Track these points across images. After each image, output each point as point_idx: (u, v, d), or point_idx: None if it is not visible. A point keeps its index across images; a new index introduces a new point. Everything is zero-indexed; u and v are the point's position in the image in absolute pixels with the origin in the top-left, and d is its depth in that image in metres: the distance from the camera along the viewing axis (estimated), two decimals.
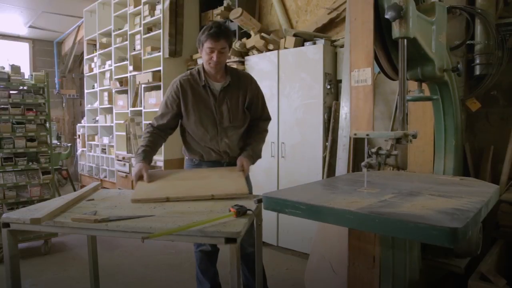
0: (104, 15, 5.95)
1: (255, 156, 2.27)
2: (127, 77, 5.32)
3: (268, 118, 2.41)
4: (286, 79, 3.59)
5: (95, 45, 6.33)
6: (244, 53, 4.01)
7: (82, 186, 6.01)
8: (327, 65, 3.34)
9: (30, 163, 3.57)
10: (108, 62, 5.83)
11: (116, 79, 5.52)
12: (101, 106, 6.14)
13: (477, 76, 2.59)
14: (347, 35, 2.97)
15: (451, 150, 2.07)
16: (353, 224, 1.31)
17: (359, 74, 1.86)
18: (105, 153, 5.98)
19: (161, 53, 4.62)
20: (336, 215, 1.32)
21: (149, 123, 2.31)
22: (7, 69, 3.67)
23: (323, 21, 3.68)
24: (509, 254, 2.36)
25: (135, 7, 5.04)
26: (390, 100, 2.99)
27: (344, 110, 3.13)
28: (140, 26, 4.98)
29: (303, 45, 3.52)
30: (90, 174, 6.43)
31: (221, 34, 2.09)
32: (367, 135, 1.62)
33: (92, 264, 2.32)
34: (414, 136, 1.55)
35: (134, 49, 5.14)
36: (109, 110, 5.97)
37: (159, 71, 4.65)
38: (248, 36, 4.03)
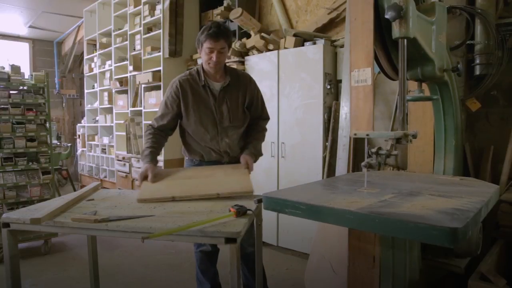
0: (104, 15, 5.95)
1: (257, 154, 2.28)
2: (127, 77, 5.32)
3: (267, 118, 2.42)
4: (286, 79, 3.59)
5: (95, 45, 6.33)
6: (244, 53, 4.01)
7: (82, 186, 6.01)
8: (327, 65, 3.34)
9: (30, 163, 3.57)
10: (108, 62, 5.83)
11: (116, 79, 5.52)
12: (101, 106, 6.14)
13: (477, 76, 2.59)
14: (347, 35, 2.97)
15: (451, 150, 2.07)
16: (353, 224, 1.31)
17: (359, 74, 1.86)
18: (105, 153, 5.98)
19: (161, 53, 4.62)
20: (336, 215, 1.32)
21: (149, 125, 2.31)
22: (7, 69, 3.67)
23: (323, 21, 3.68)
24: (509, 254, 2.36)
25: (135, 7, 5.04)
26: (390, 100, 2.99)
27: (344, 110, 3.13)
28: (140, 26, 4.98)
29: (303, 45, 3.52)
30: (90, 174, 6.43)
31: (221, 34, 2.08)
32: (367, 135, 1.62)
33: (92, 264, 2.32)
34: (414, 136, 1.55)
35: (134, 49, 5.14)
36: (109, 110, 5.97)
37: (159, 71, 4.65)
38: (248, 36, 4.03)
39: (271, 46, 3.72)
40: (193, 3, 4.81)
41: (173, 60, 4.63)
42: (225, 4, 4.32)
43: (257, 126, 2.35)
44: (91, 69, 6.44)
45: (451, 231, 1.06)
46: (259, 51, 3.85)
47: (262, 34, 3.79)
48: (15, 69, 3.69)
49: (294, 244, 3.54)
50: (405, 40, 1.57)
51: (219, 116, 2.21)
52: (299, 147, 3.50)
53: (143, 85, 4.95)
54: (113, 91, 5.69)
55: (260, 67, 3.80)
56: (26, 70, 6.51)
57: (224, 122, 2.21)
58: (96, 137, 6.31)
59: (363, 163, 1.57)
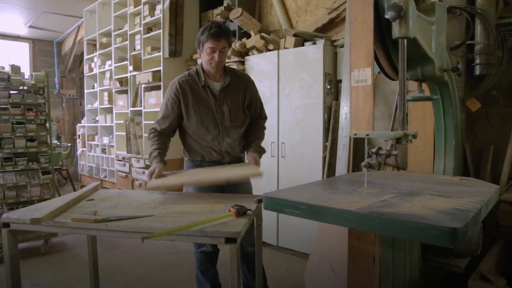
0: (104, 15, 5.95)
1: (261, 151, 2.30)
2: (127, 77, 5.32)
3: (265, 117, 2.45)
4: (286, 79, 3.59)
5: (95, 45, 6.33)
6: (244, 53, 4.01)
7: (82, 186, 6.01)
8: (327, 65, 3.34)
9: (30, 163, 3.57)
10: (108, 62, 5.83)
11: (116, 79, 5.52)
12: (101, 106, 6.14)
13: (477, 76, 2.59)
14: (347, 35, 2.97)
15: (451, 150, 2.07)
16: (353, 224, 1.31)
17: (359, 74, 1.86)
18: (105, 153, 5.97)
19: (161, 53, 4.62)
20: (336, 215, 1.32)
21: (152, 128, 2.30)
22: (7, 69, 3.67)
23: (323, 21, 3.68)
24: (509, 254, 2.36)
25: (135, 7, 5.04)
26: (390, 100, 2.99)
27: (344, 110, 3.13)
28: (140, 26, 4.98)
29: (303, 45, 3.52)
30: (90, 174, 6.42)
31: (222, 33, 2.09)
32: (367, 135, 1.62)
33: (92, 264, 2.32)
34: (414, 136, 1.55)
35: (134, 49, 5.14)
36: (109, 110, 5.97)
37: (159, 71, 4.65)
38: (248, 36, 4.03)
39: (271, 46, 3.72)
40: (193, 3, 4.81)
41: (173, 60, 4.63)
42: (225, 4, 4.32)
43: (257, 125, 2.37)
44: (91, 69, 6.44)
45: (451, 231, 1.06)
46: (259, 51, 3.85)
47: (262, 34, 3.79)
48: (15, 69, 3.69)
49: (294, 244, 3.54)
50: (405, 40, 1.57)
51: (220, 116, 2.21)
52: (299, 147, 3.50)
53: (143, 85, 4.95)
54: (113, 91, 5.69)
55: (260, 67, 3.80)
56: (26, 70, 6.51)
57: (225, 122, 2.22)
58: (96, 137, 6.31)
59: (363, 163, 1.57)
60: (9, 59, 5.33)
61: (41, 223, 1.62)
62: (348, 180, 1.97)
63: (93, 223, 1.58)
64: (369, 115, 1.84)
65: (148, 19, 4.78)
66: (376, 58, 1.83)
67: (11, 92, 3.53)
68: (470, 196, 1.46)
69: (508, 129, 2.56)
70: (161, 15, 4.55)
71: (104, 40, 6.04)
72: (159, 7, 4.62)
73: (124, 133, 5.31)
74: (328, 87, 3.34)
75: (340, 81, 3.34)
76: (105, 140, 5.97)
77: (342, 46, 3.34)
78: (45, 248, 3.62)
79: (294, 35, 3.58)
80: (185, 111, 2.21)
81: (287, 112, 3.58)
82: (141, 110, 5.02)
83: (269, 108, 3.63)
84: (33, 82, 3.64)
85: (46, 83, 3.68)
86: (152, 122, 5.00)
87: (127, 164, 5.21)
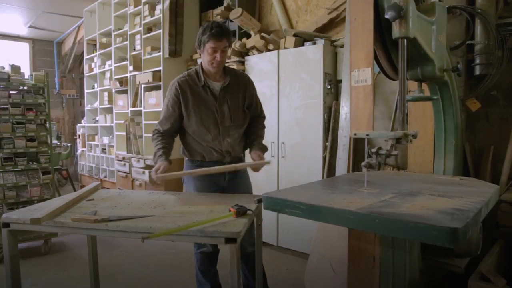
0: (104, 15, 5.95)
1: (265, 149, 2.32)
2: (127, 77, 5.32)
3: (265, 116, 2.47)
4: (286, 79, 3.59)
5: (95, 45, 6.32)
6: (244, 53, 4.01)
7: (82, 186, 6.01)
8: (327, 65, 3.34)
9: (30, 163, 3.57)
10: (108, 62, 5.83)
11: (116, 79, 5.52)
12: (101, 106, 6.14)
13: (477, 76, 2.59)
14: (347, 35, 2.97)
15: (451, 150, 2.07)
16: (353, 224, 1.31)
17: (359, 74, 1.86)
18: (105, 153, 5.97)
19: (161, 53, 4.62)
20: (336, 215, 1.32)
21: (155, 129, 2.30)
22: (7, 69, 3.67)
23: (323, 21, 3.68)
24: (509, 254, 2.36)
25: (135, 7, 5.04)
26: (390, 100, 2.99)
27: (344, 110, 3.13)
28: (140, 26, 4.98)
29: (303, 45, 3.52)
30: (90, 174, 6.42)
31: (223, 33, 2.10)
32: (367, 135, 1.63)
33: (92, 264, 2.32)
34: (414, 136, 1.55)
35: (134, 49, 5.14)
36: (109, 110, 5.97)
37: (159, 71, 4.65)
38: (248, 36, 4.03)
39: (271, 46, 3.72)
40: (193, 3, 4.81)
41: (173, 60, 4.63)
42: (225, 4, 4.32)
43: (257, 124, 2.38)
44: (91, 69, 6.44)
45: (451, 231, 1.06)
46: (259, 51, 3.85)
47: (262, 34, 3.79)
48: (15, 69, 3.69)
49: (294, 244, 3.54)
50: (405, 40, 1.57)
51: (220, 116, 2.21)
52: (299, 147, 3.50)
53: (143, 85, 4.95)
54: (113, 91, 5.69)
55: (260, 67, 3.80)
56: (26, 70, 6.51)
57: (225, 122, 2.22)
58: (96, 137, 6.30)
59: (363, 163, 1.57)
60: (9, 59, 5.33)
61: (41, 223, 1.62)
62: (348, 180, 1.97)
63: (93, 223, 1.58)
64: (369, 115, 1.84)
65: (148, 19, 4.78)
66: (376, 58, 1.83)
67: (11, 92, 3.53)
68: (470, 196, 1.46)
69: (508, 129, 2.56)
70: (161, 15, 4.55)
71: (104, 40, 6.04)
72: (159, 7, 4.62)
73: (124, 133, 5.31)
74: (328, 87, 3.34)
75: (340, 81, 3.34)
76: (105, 140, 5.97)
77: (342, 46, 3.34)
78: (45, 248, 3.62)
79: (294, 35, 3.58)
80: (185, 111, 2.21)
81: (287, 112, 3.58)
82: (141, 110, 5.02)
83: (269, 108, 3.63)
84: (33, 82, 3.64)
85: (46, 83, 3.68)
86: (152, 122, 5.03)
87: (127, 164, 5.21)
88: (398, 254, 1.78)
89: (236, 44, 3.91)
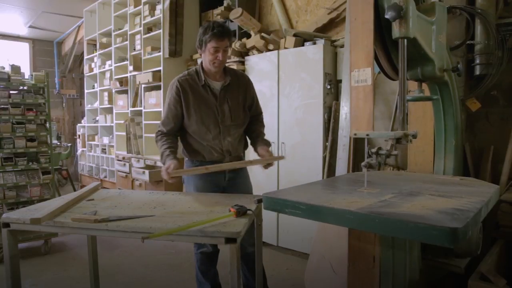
0: (104, 15, 5.95)
1: (268, 144, 2.33)
2: (127, 77, 5.32)
3: (262, 112, 2.49)
4: (286, 79, 3.59)
5: (95, 45, 6.33)
6: (244, 53, 4.01)
7: (82, 186, 6.01)
8: (327, 65, 3.34)
9: (30, 163, 3.57)
10: (108, 62, 5.83)
11: (116, 79, 5.52)
12: (101, 106, 6.14)
13: (477, 76, 2.59)
14: (347, 35, 2.97)
15: (451, 150, 2.07)
16: (353, 224, 1.31)
17: (359, 74, 1.86)
18: (105, 153, 5.98)
19: (161, 53, 4.62)
20: (336, 215, 1.32)
21: (158, 131, 2.28)
22: (7, 69, 3.67)
23: (323, 21, 3.68)
24: (509, 254, 2.36)
25: (135, 7, 5.04)
26: (390, 100, 2.99)
27: (344, 110, 3.13)
28: (140, 26, 4.98)
29: (303, 45, 3.52)
30: (90, 174, 6.42)
31: (225, 33, 2.11)
32: (367, 135, 1.62)
33: (92, 264, 2.32)
34: (414, 136, 1.55)
35: (134, 49, 5.14)
36: (109, 110, 5.97)
37: (159, 71, 4.65)
38: (248, 36, 4.03)
39: (271, 46, 3.72)
40: (193, 3, 4.81)
41: (173, 60, 4.63)
42: (225, 4, 4.32)
43: (257, 122, 2.41)
44: (91, 69, 6.44)
45: (451, 231, 1.06)
46: (259, 51, 3.85)
47: (262, 34, 3.79)
48: (15, 69, 3.69)
49: (294, 244, 3.54)
50: (405, 40, 1.57)
51: (220, 115, 2.21)
52: (299, 147, 3.50)
53: (143, 85, 4.95)
54: (113, 91, 5.69)
55: (260, 67, 3.80)
56: (26, 70, 6.51)
57: (226, 121, 2.22)
58: (96, 137, 6.31)
59: (363, 163, 1.57)
60: (9, 59, 5.33)
61: (41, 223, 1.62)
62: (348, 180, 1.97)
63: (93, 223, 1.58)
64: (369, 115, 1.84)
65: (148, 19, 4.78)
66: (376, 58, 1.83)
67: (11, 92, 3.53)
68: (470, 196, 1.46)
69: (508, 129, 2.56)
70: (161, 15, 4.55)
71: (104, 40, 6.04)
72: (159, 7, 4.62)
73: (124, 133, 5.31)
74: (328, 87, 3.34)
75: (340, 81, 3.34)
76: (105, 140, 5.97)
77: (342, 46, 3.34)
78: (45, 248, 3.62)
79: (294, 35, 3.58)
80: (185, 110, 2.21)
81: (287, 112, 3.58)
82: (141, 110, 5.02)
83: (269, 108, 3.64)
84: (33, 82, 3.64)
85: (46, 83, 3.68)
86: (152, 122, 5.03)
87: (127, 164, 5.21)
88: (398, 254, 1.78)
89: (236, 44, 3.91)
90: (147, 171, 4.64)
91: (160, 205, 1.88)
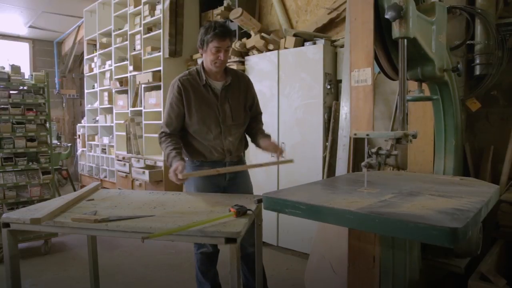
0: (104, 15, 5.95)
1: (269, 137, 2.34)
2: (127, 77, 5.32)
3: (262, 113, 2.50)
4: (286, 79, 3.59)
5: (95, 45, 6.33)
6: (244, 53, 4.01)
7: (82, 186, 6.01)
8: (327, 65, 3.34)
9: (30, 163, 3.57)
10: (108, 62, 5.83)
11: (116, 79, 5.52)
12: (101, 106, 6.14)
13: (477, 76, 2.59)
14: (347, 35, 2.97)
15: (451, 150, 2.07)
16: (353, 224, 1.31)
17: (359, 74, 1.86)
18: (105, 153, 5.98)
19: (161, 53, 4.62)
20: (336, 215, 1.32)
21: (162, 132, 2.26)
22: (7, 69, 3.67)
23: (323, 21, 3.68)
24: (509, 254, 2.36)
25: (135, 7, 5.04)
26: (390, 100, 2.99)
27: (344, 110, 3.13)
28: (140, 26, 4.98)
29: (303, 45, 3.52)
30: (90, 174, 6.43)
31: (227, 33, 2.12)
32: (367, 135, 1.62)
33: (92, 264, 2.32)
34: (414, 136, 1.55)
35: (134, 49, 5.14)
36: (109, 110, 5.97)
37: (159, 71, 4.65)
38: (248, 36, 4.03)
39: (271, 46, 3.72)
40: (193, 3, 4.81)
41: (173, 60, 4.63)
42: (225, 4, 4.32)
43: (256, 120, 2.42)
44: (91, 69, 6.44)
45: (451, 231, 1.06)
46: (259, 51, 3.85)
47: (262, 34, 3.79)
48: (15, 69, 3.69)
49: (294, 244, 3.54)
50: (405, 40, 1.57)
51: (222, 115, 2.21)
52: (299, 147, 3.50)
53: (143, 85, 4.95)
54: (113, 91, 5.69)
55: (260, 67, 3.80)
56: (26, 70, 6.51)
57: (227, 121, 2.23)
58: (96, 137, 6.31)
59: (363, 163, 1.57)
60: (9, 59, 5.33)
61: (41, 223, 1.62)
62: (348, 180, 1.97)
63: (93, 223, 1.58)
64: (369, 115, 1.84)
65: (148, 19, 4.78)
66: (376, 58, 1.83)
67: (11, 92, 3.53)
68: (470, 196, 1.46)
69: (508, 129, 2.56)
70: (161, 15, 4.55)
71: (104, 40, 6.04)
72: (159, 7, 4.62)
73: (124, 133, 5.31)
74: (328, 87, 3.34)
75: (340, 81, 3.34)
76: (105, 140, 5.97)
77: (342, 46, 3.34)
78: (45, 248, 3.62)
79: (294, 35, 3.58)
80: (187, 109, 2.21)
81: (287, 112, 3.58)
82: (141, 110, 5.02)
83: (269, 108, 3.64)
84: (33, 82, 3.64)
85: (46, 83, 3.68)
86: (152, 122, 5.02)
87: (127, 164, 5.21)
88: (398, 254, 1.78)
89: (236, 44, 3.91)
90: (147, 171, 4.64)
91: (160, 205, 1.88)
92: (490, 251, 2.19)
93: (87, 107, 6.64)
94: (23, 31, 7.27)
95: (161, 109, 4.56)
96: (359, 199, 1.42)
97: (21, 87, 3.60)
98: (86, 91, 6.68)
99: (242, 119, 2.29)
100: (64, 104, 8.15)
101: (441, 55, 1.83)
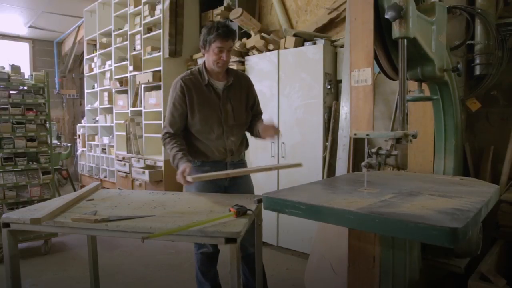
0: (104, 15, 5.95)
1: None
2: (127, 77, 5.32)
3: (262, 114, 2.49)
4: (286, 79, 3.59)
5: (95, 45, 6.33)
6: (244, 53, 4.01)
7: (82, 186, 6.01)
8: (327, 65, 3.34)
9: (30, 163, 3.57)
10: (108, 62, 5.83)
11: (116, 79, 5.52)
12: (101, 106, 6.14)
13: (477, 76, 2.59)
14: (347, 35, 2.97)
15: (451, 150, 2.07)
16: (353, 224, 1.31)
17: (359, 74, 1.86)
18: (105, 153, 5.98)
19: (161, 53, 4.62)
20: (336, 215, 1.32)
21: (165, 133, 2.24)
22: (7, 69, 3.67)
23: (323, 21, 3.68)
24: (509, 254, 2.36)
25: (135, 7, 5.04)
26: (390, 100, 2.99)
27: (344, 110, 3.13)
28: (140, 26, 4.98)
29: (303, 45, 3.52)
30: (90, 174, 6.42)
31: (230, 33, 2.12)
32: (367, 135, 1.62)
33: (92, 264, 2.32)
34: (414, 136, 1.55)
35: (134, 49, 5.14)
36: (109, 110, 5.97)
37: (159, 71, 4.65)
38: (248, 36, 4.03)
39: (271, 46, 3.73)
40: (193, 3, 4.81)
41: (173, 60, 4.63)
42: (225, 4, 4.32)
43: (257, 119, 2.41)
44: (91, 69, 6.44)
45: (451, 231, 1.06)
46: (259, 51, 3.85)
47: (262, 34, 3.79)
48: (15, 69, 3.69)
49: (294, 244, 3.54)
50: (405, 40, 1.57)
51: (224, 115, 2.22)
52: (299, 147, 3.50)
53: (143, 85, 4.95)
54: (113, 91, 5.69)
55: (260, 67, 3.80)
56: (26, 70, 6.51)
57: (229, 121, 2.23)
58: (96, 137, 6.31)
59: (363, 163, 1.57)
60: (9, 59, 5.33)
61: (41, 223, 1.62)
62: (348, 180, 1.97)
63: (93, 223, 1.58)
64: (369, 115, 1.84)
65: (148, 19, 4.78)
66: (376, 58, 1.83)
67: (11, 92, 3.53)
68: (470, 196, 1.46)
69: (508, 129, 2.56)
70: (161, 15, 4.54)
71: (104, 40, 6.04)
72: (159, 7, 4.62)
73: (124, 133, 5.31)
74: (328, 87, 3.34)
75: (340, 81, 3.34)
76: (105, 140, 5.97)
77: (342, 46, 3.34)
78: (45, 248, 3.62)
79: (294, 35, 3.58)
80: (189, 109, 2.21)
81: (287, 112, 3.58)
82: (141, 110, 5.02)
83: (269, 108, 3.64)
84: (33, 82, 3.64)
85: (46, 83, 3.68)
86: (152, 122, 5.01)
87: (127, 164, 5.21)
88: (398, 254, 1.78)
89: (236, 44, 3.91)
90: (147, 171, 4.65)
91: (160, 205, 1.88)
92: (490, 251, 2.19)
93: (87, 107, 6.64)
94: (23, 31, 7.27)
95: (161, 109, 4.56)
96: (359, 199, 1.42)
97: (21, 87, 3.61)
98: (86, 91, 6.68)
99: (243, 119, 2.30)
100: (64, 104, 8.15)
101: (441, 55, 1.83)
